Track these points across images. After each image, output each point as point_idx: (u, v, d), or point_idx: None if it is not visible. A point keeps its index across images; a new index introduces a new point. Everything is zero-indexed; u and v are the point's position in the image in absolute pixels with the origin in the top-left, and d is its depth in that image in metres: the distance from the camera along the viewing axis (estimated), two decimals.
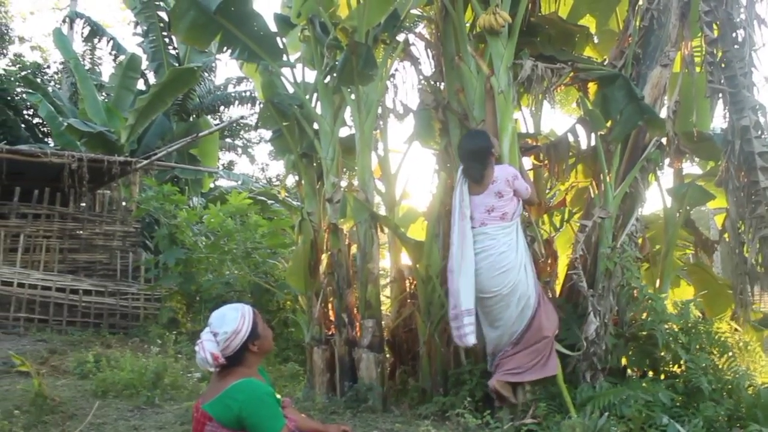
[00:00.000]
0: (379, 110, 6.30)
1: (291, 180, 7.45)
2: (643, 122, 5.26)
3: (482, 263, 4.86)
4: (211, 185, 18.24)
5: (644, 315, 5.14)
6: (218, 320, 2.76)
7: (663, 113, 5.59)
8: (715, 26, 5.34)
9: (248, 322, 2.77)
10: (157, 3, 15.64)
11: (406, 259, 6.37)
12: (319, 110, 6.23)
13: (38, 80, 19.05)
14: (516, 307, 4.82)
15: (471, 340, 4.89)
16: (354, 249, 6.04)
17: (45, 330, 9.60)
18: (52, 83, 20.97)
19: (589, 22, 6.57)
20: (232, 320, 2.75)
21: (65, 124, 13.84)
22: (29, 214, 10.84)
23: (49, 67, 22.52)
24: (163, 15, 15.61)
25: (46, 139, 18.07)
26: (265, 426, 2.61)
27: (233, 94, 19.49)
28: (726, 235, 5.70)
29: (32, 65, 21.17)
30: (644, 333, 5.11)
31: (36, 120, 18.83)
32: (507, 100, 5.22)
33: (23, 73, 19.27)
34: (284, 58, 6.32)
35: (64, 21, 18.28)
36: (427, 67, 6.41)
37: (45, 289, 10.05)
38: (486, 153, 4.96)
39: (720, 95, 5.28)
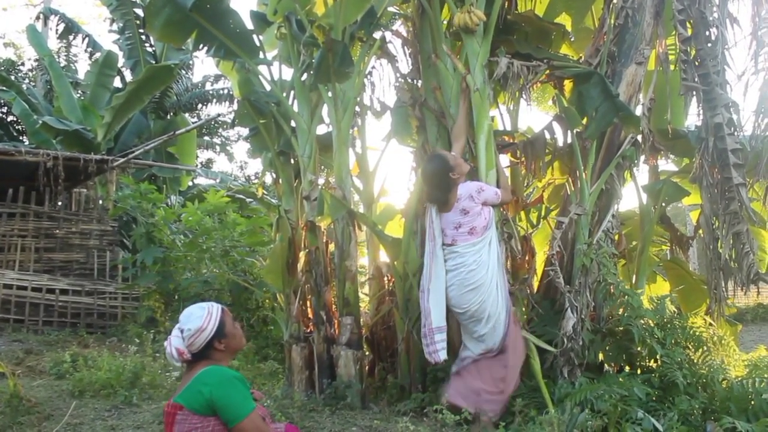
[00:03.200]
0: (357, 108, 6.29)
1: (269, 178, 7.41)
2: (619, 119, 5.31)
3: (453, 280, 4.90)
4: (189, 183, 18.14)
5: (621, 311, 5.18)
6: (186, 317, 2.87)
7: (638, 111, 5.64)
8: (688, 24, 5.41)
9: (214, 321, 2.87)
10: (132, 0, 15.52)
11: (384, 257, 6.38)
12: (296, 108, 6.21)
13: (12, 77, 18.79)
14: (486, 323, 4.82)
15: (441, 356, 4.93)
16: (332, 246, 6.04)
17: (21, 330, 9.51)
18: (27, 81, 20.74)
19: (565, 20, 6.61)
20: (198, 318, 2.85)
21: (40, 122, 13.68)
22: (3, 213, 10.74)
23: (23, 64, 22.30)
24: (140, 12, 15.48)
25: (20, 138, 17.88)
26: (235, 408, 2.68)
27: (211, 92, 19.40)
28: (701, 231, 5.77)
29: (5, 62, 20.95)
30: (621, 328, 5.15)
31: (10, 118, 18.60)
32: (483, 97, 5.24)
33: None
34: (261, 55, 6.29)
35: (38, 17, 18.06)
36: (404, 64, 6.42)
37: (20, 288, 9.96)
38: (443, 176, 4.93)
39: (694, 93, 5.35)
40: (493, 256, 4.91)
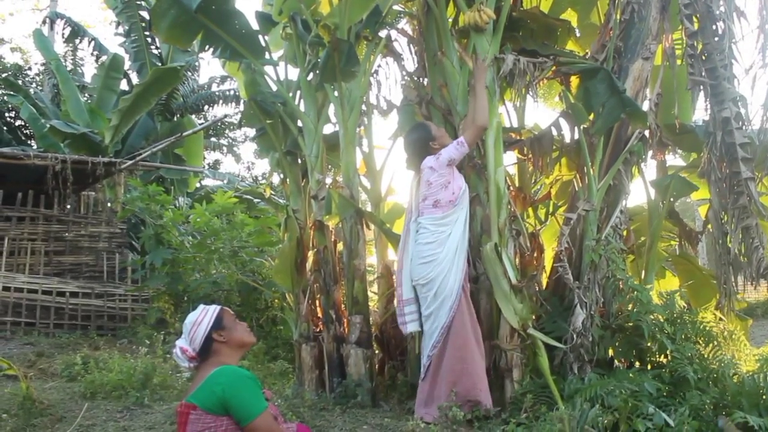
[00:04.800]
0: (363, 107, 6.29)
1: (276, 178, 7.43)
2: (626, 115, 5.29)
3: (413, 251, 4.97)
4: (197, 185, 18.20)
5: (630, 306, 5.17)
6: (187, 319, 2.99)
7: (645, 106, 5.62)
8: (695, 19, 5.38)
9: (210, 314, 2.97)
10: (138, 2, 15.57)
11: (392, 255, 6.38)
12: (302, 108, 6.23)
13: (19, 82, 18.90)
14: (434, 299, 4.83)
15: (410, 327, 5.02)
16: (340, 246, 6.05)
17: (32, 333, 9.55)
18: (34, 85, 20.82)
19: (570, 16, 6.59)
20: (194, 314, 2.97)
21: (48, 125, 13.74)
22: (13, 217, 10.78)
23: (30, 68, 22.36)
24: (145, 14, 15.53)
25: (28, 142, 17.96)
26: (248, 407, 2.71)
27: (217, 93, 19.44)
28: (709, 226, 5.75)
29: (13, 67, 21.02)
30: (630, 324, 5.14)
31: (18, 122, 18.70)
32: (491, 95, 5.24)
33: (4, 75, 19.15)
34: (266, 56, 6.30)
35: (44, 22, 18.14)
36: (410, 62, 6.41)
37: (31, 292, 10.00)
38: (422, 145, 5.03)
39: (701, 87, 5.32)
40: (455, 236, 4.89)
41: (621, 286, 5.23)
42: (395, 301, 5.14)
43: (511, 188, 5.55)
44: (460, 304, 4.83)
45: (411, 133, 5.25)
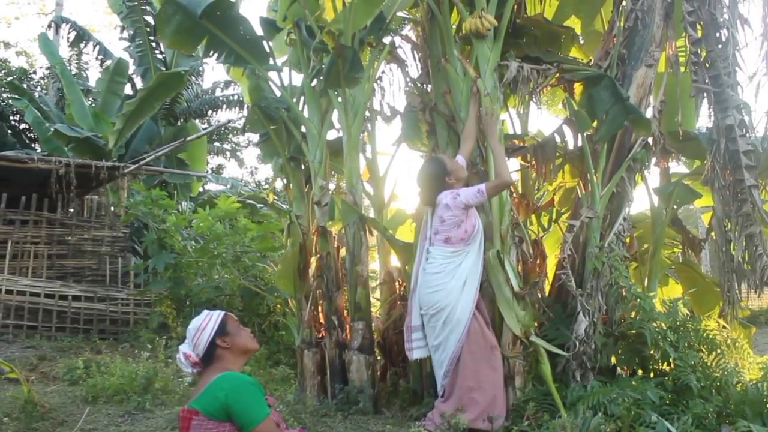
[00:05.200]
0: (367, 113, 6.30)
1: (279, 183, 7.44)
2: (629, 122, 5.29)
3: (421, 279, 4.95)
4: (200, 189, 18.21)
5: (633, 314, 5.16)
6: (190, 324, 2.98)
7: (649, 113, 5.62)
8: (698, 26, 5.38)
9: (214, 320, 2.97)
10: (143, 7, 15.60)
11: (395, 261, 6.38)
12: (306, 113, 6.23)
13: (24, 86, 18.93)
14: (442, 329, 4.81)
15: (415, 354, 5.04)
16: (343, 252, 6.05)
17: (34, 336, 9.55)
18: (39, 88, 20.87)
19: (574, 23, 6.60)
20: (198, 319, 2.97)
21: (52, 129, 13.77)
22: (17, 221, 10.79)
23: (35, 72, 22.41)
24: (150, 19, 15.55)
25: (33, 145, 17.99)
26: (250, 413, 2.72)
27: (221, 98, 19.46)
28: (713, 234, 5.74)
29: (18, 70, 21.08)
30: (633, 332, 5.13)
31: (22, 126, 18.76)
32: (493, 102, 5.24)
33: (9, 79, 19.17)
34: (271, 61, 6.31)
35: (49, 26, 18.22)
36: (414, 69, 6.41)
37: (33, 295, 10.01)
38: (436, 180, 4.97)
39: (705, 95, 5.32)
40: (465, 268, 4.85)
41: (624, 293, 5.22)
42: (404, 327, 5.13)
43: (514, 195, 5.54)
44: (469, 334, 4.79)
45: (425, 167, 5.17)
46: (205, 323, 2.93)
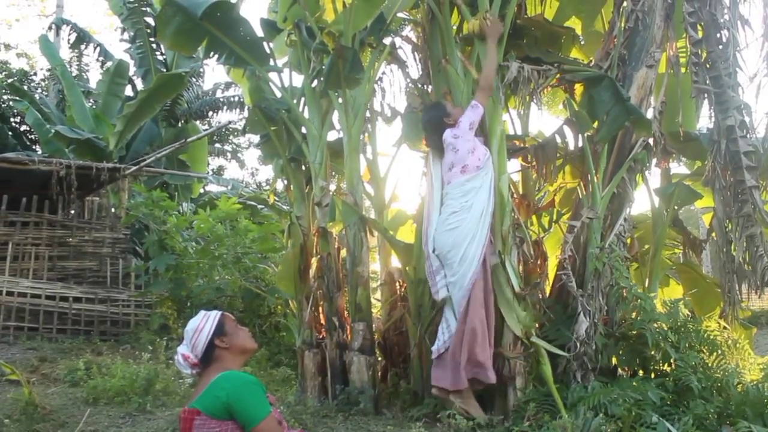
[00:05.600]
0: (367, 114, 6.30)
1: (280, 184, 7.44)
2: (630, 123, 5.30)
3: (438, 220, 5.10)
4: (201, 191, 18.20)
5: (634, 314, 5.16)
6: (188, 325, 2.98)
7: (649, 114, 5.62)
8: (699, 27, 5.39)
9: (212, 321, 2.97)
10: (143, 9, 15.60)
11: (395, 262, 6.38)
12: (306, 114, 6.23)
13: (25, 87, 18.95)
14: (458, 266, 4.92)
15: (442, 294, 5.11)
16: (344, 252, 6.05)
17: (35, 338, 9.54)
18: (39, 90, 20.89)
19: (575, 23, 6.60)
20: (195, 320, 2.96)
21: (53, 131, 13.77)
22: (17, 222, 10.77)
23: (35, 74, 22.44)
24: (150, 21, 15.56)
25: (33, 147, 17.99)
26: (252, 411, 2.72)
27: (221, 99, 19.45)
28: (714, 234, 5.74)
29: (19, 72, 21.10)
30: (634, 332, 5.13)
31: (23, 127, 18.76)
32: (495, 102, 5.25)
33: (10, 81, 19.20)
34: (271, 62, 6.32)
35: (50, 28, 18.29)
36: (414, 70, 6.43)
37: (34, 297, 9.99)
38: (439, 122, 5.17)
39: (705, 95, 5.32)
40: (480, 202, 4.99)
41: (625, 294, 5.22)
42: (426, 272, 5.24)
43: (515, 196, 5.55)
44: (483, 272, 4.92)
45: (427, 112, 5.42)
46: (203, 324, 2.93)
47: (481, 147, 5.10)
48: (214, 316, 2.99)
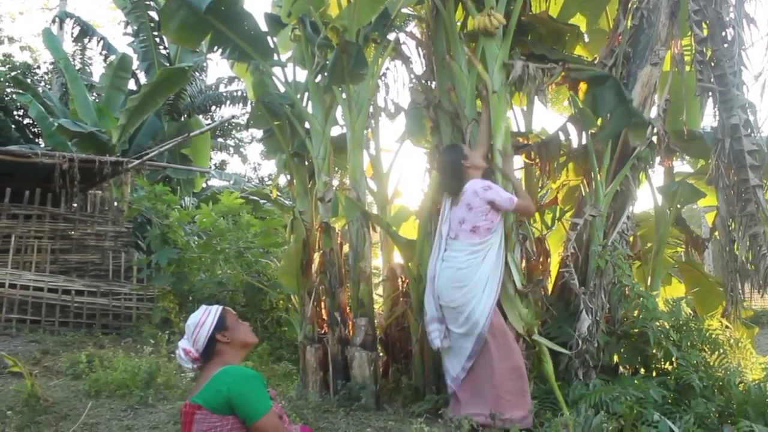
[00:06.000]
0: (371, 109, 6.30)
1: (283, 179, 7.44)
2: (628, 127, 5.30)
3: (444, 272, 4.92)
4: (203, 185, 18.22)
5: (636, 312, 5.16)
6: (189, 320, 2.98)
7: (653, 112, 5.62)
8: (704, 25, 5.37)
9: (213, 315, 2.97)
10: (147, 3, 15.60)
11: (398, 258, 6.38)
12: (310, 109, 6.23)
13: (28, 81, 18.97)
14: (465, 322, 4.79)
15: (436, 343, 5.00)
16: (346, 248, 6.05)
17: (37, 331, 9.57)
18: (43, 84, 20.91)
19: (579, 21, 6.59)
20: (196, 315, 2.97)
21: (56, 124, 13.79)
22: (20, 215, 10.79)
23: (39, 67, 22.46)
24: (154, 14, 15.56)
25: (36, 140, 18.01)
26: (253, 405, 2.72)
27: (224, 94, 19.47)
28: (716, 233, 5.73)
29: (22, 65, 21.11)
30: (636, 330, 5.13)
31: (26, 120, 18.78)
32: (501, 100, 5.24)
33: (13, 74, 19.21)
34: (275, 57, 6.31)
35: (53, 21, 18.24)
36: (418, 65, 6.41)
37: (37, 289, 10.02)
38: (457, 167, 5.00)
39: (710, 94, 5.31)
40: (489, 263, 4.84)
41: (627, 292, 5.23)
42: (424, 318, 5.16)
43: None
44: (491, 327, 4.77)
45: (444, 155, 5.25)
46: (204, 318, 2.93)
47: (495, 213, 4.90)
48: (216, 310, 2.99)
